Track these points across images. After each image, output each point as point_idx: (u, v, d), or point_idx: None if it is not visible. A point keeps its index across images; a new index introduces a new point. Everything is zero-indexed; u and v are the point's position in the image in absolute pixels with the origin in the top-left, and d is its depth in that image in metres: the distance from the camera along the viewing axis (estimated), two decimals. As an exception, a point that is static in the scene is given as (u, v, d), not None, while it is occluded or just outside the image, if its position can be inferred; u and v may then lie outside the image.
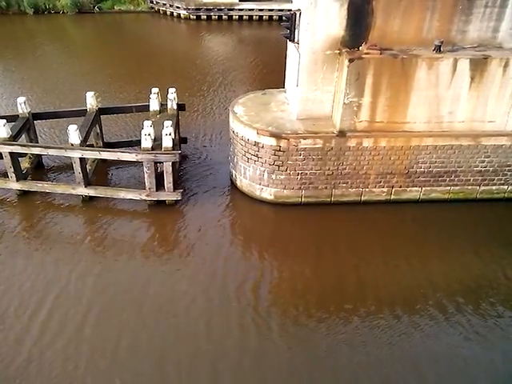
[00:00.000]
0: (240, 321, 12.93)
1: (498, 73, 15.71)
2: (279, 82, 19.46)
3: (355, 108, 15.90)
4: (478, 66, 15.57)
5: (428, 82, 15.65)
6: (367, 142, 16.31)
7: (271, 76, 23.61)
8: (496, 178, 17.43)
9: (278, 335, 12.58)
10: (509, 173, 17.31)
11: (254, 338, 12.53)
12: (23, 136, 18.51)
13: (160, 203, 17.18)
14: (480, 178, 17.37)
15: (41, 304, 13.28)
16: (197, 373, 11.65)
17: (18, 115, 18.45)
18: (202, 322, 12.87)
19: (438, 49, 15.49)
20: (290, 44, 17.55)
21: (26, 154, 18.15)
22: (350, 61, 15.23)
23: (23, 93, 24.48)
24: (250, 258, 15.11)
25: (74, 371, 11.62)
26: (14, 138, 17.19)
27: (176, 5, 40.77)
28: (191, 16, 40.53)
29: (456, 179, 17.37)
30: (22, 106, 18.34)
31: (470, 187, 17.56)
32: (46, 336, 12.43)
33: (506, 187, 17.63)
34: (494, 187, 17.63)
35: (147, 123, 16.94)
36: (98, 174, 18.60)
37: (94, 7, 41.44)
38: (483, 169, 17.16)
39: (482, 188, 17.60)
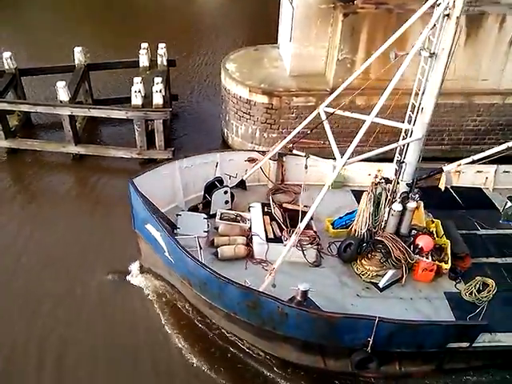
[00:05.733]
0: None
1: (494, 29, 15.46)
2: (272, 38, 19.04)
3: (349, 65, 15.66)
4: (474, 21, 15.29)
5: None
6: (360, 101, 16.15)
7: (264, 31, 23.08)
8: (487, 138, 17.47)
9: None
10: (500, 132, 17.34)
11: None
12: (10, 93, 18.12)
13: (151, 161, 17.10)
14: (471, 137, 17.40)
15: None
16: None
17: (3, 71, 18.00)
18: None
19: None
20: (283, -2, 17.09)
21: (14, 111, 17.83)
22: (345, 15, 14.89)
23: (8, 48, 23.75)
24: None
25: None
26: (0, 94, 16.84)
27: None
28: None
29: (447, 138, 17.38)
30: (8, 62, 17.85)
31: (461, 146, 17.61)
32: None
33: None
34: (484, 147, 17.69)
35: (137, 80, 16.64)
36: (88, 131, 18.40)
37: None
38: (475, 128, 17.16)
39: (473, 147, 17.67)
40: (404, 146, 10.65)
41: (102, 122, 19.03)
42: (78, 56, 18.56)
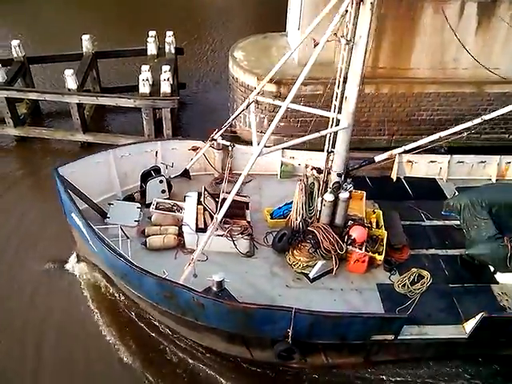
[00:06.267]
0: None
1: (506, 18, 15.22)
2: (280, 25, 18.86)
3: (358, 53, 15.52)
4: (486, 10, 15.08)
5: (433, 26, 15.20)
6: (369, 89, 16.05)
7: (272, 18, 22.86)
8: (497, 127, 17.30)
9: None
10: (510, 121, 17.16)
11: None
12: (19, 81, 18.16)
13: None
14: (481, 126, 17.21)
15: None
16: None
17: (12, 59, 18.02)
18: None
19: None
20: (292, -15, 16.91)
21: (23, 99, 17.88)
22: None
23: (16, 36, 23.73)
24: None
25: None
26: (9, 82, 16.88)
27: None
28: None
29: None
30: (17, 50, 17.86)
31: (473, 136, 17.42)
32: None
33: (506, 136, 17.53)
34: (495, 135, 17.53)
35: (145, 68, 16.60)
36: (96, 120, 18.41)
37: None
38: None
39: (484, 136, 17.50)
40: (331, 135, 10.37)
41: (110, 110, 19.05)
42: (86, 44, 18.53)
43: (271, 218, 12.09)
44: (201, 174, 13.28)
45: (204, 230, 10.86)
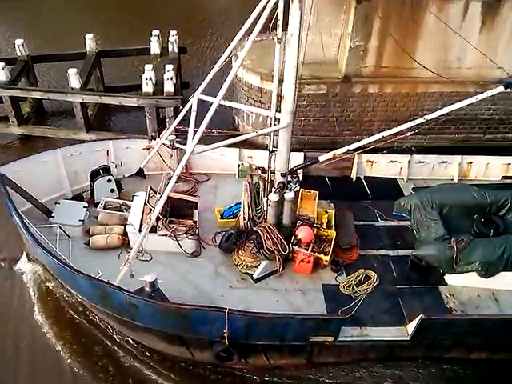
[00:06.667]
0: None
1: (511, 17, 15.16)
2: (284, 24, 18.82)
3: (361, 52, 15.50)
4: (490, 9, 15.00)
5: (437, 26, 15.14)
6: (373, 88, 16.04)
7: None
8: (501, 127, 17.23)
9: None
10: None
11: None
12: (23, 80, 18.21)
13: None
14: (485, 126, 17.16)
15: None
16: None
17: (16, 58, 18.08)
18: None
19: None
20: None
21: (27, 98, 17.94)
22: (358, 2, 14.67)
23: (20, 35, 23.80)
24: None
25: None
26: (13, 81, 16.93)
27: None
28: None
29: (461, 127, 17.17)
30: (21, 49, 17.90)
31: (474, 135, 17.39)
32: None
33: (510, 135, 17.45)
34: (498, 135, 17.46)
35: (148, 67, 16.61)
36: (100, 119, 18.43)
37: None
38: (489, 117, 16.93)
39: (487, 136, 17.44)
40: (272, 134, 10.18)
41: (113, 110, 19.06)
42: (90, 43, 18.56)
43: (221, 218, 11.97)
44: (157, 173, 12.94)
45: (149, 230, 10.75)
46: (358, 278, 10.96)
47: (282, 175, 10.45)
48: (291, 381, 10.92)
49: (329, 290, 10.77)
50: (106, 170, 12.37)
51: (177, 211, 11.34)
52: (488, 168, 13.67)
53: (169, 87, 16.24)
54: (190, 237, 11.02)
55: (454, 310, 10.56)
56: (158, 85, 16.68)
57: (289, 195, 10.45)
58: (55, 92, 17.15)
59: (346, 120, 16.70)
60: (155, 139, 12.75)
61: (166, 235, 10.80)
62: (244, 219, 11.17)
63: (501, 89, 10.26)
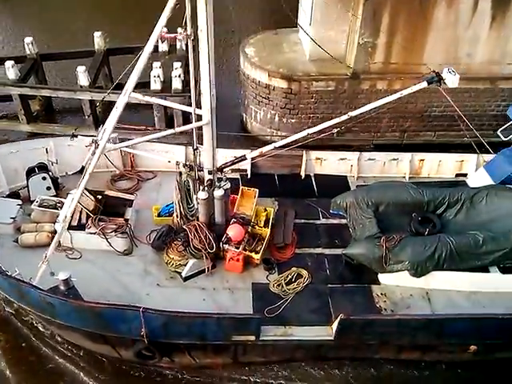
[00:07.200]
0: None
1: (521, 12, 15.04)
2: (292, 21, 18.73)
3: (370, 49, 15.44)
4: (500, 5, 14.87)
5: (447, 21, 15.05)
6: (381, 85, 15.96)
7: (283, 13, 22.76)
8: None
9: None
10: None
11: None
12: (32, 78, 18.31)
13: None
14: (495, 122, 17.01)
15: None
16: None
17: (25, 56, 18.18)
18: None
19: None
20: (303, -20, 16.82)
21: (36, 96, 18.04)
22: (366, -2, 14.63)
23: (29, 33, 23.91)
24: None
25: None
26: (22, 79, 17.03)
27: None
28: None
29: (471, 124, 17.00)
30: (30, 47, 18.00)
31: (484, 132, 17.23)
32: None
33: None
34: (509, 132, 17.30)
35: (156, 64, 16.65)
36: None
37: None
38: (499, 113, 16.79)
39: (496, 133, 17.28)
40: (194, 130, 10.02)
41: (121, 107, 19.04)
42: (98, 41, 18.61)
43: (158, 216, 11.82)
44: (103, 170, 12.63)
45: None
46: (290, 277, 10.69)
47: (209, 173, 10.24)
48: (220, 381, 10.86)
49: (258, 289, 10.56)
50: (42, 167, 12.12)
51: (111, 209, 11.23)
52: (441, 165, 13.44)
53: (177, 84, 16.27)
54: (119, 235, 10.85)
55: (384, 309, 10.30)
56: (166, 82, 16.71)
57: (217, 193, 10.24)
58: (64, 90, 17.23)
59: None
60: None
61: (94, 233, 10.67)
62: (177, 217, 11.02)
63: (424, 84, 10.01)
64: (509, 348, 10.57)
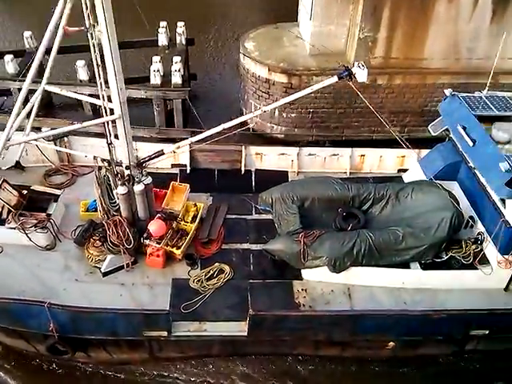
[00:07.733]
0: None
1: (522, 6, 14.98)
2: (292, 15, 18.70)
3: (370, 43, 15.39)
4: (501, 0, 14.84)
5: (447, 15, 14.99)
6: (381, 80, 15.92)
7: (283, 7, 22.66)
8: (512, 118, 17.04)
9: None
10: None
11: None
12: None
13: (171, 140, 17.11)
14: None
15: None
16: None
17: (24, 50, 18.11)
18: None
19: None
20: (303, -26, 16.75)
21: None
22: (367, -8, 14.58)
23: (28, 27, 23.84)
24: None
25: None
26: (21, 74, 16.96)
27: None
28: None
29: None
30: (29, 41, 17.94)
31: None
32: None
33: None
34: (509, 127, 17.29)
35: (156, 59, 16.61)
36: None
37: None
38: (500, 108, 16.74)
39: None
40: (107, 125, 9.81)
41: (121, 102, 19.02)
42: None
43: (86, 211, 11.73)
44: (38, 165, 12.60)
45: None
46: (211, 272, 10.66)
47: (126, 168, 10.13)
48: (141, 376, 10.90)
49: (178, 285, 10.45)
50: None
51: (36, 204, 11.15)
52: (382, 161, 13.40)
53: (176, 79, 16.24)
54: (39, 230, 10.75)
55: (303, 305, 10.28)
56: (166, 76, 16.67)
57: (137, 188, 10.17)
58: (64, 84, 17.15)
59: (354, 112, 16.62)
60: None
61: (14, 228, 10.60)
62: (100, 212, 10.94)
63: (335, 79, 10.00)
64: (427, 344, 10.56)
